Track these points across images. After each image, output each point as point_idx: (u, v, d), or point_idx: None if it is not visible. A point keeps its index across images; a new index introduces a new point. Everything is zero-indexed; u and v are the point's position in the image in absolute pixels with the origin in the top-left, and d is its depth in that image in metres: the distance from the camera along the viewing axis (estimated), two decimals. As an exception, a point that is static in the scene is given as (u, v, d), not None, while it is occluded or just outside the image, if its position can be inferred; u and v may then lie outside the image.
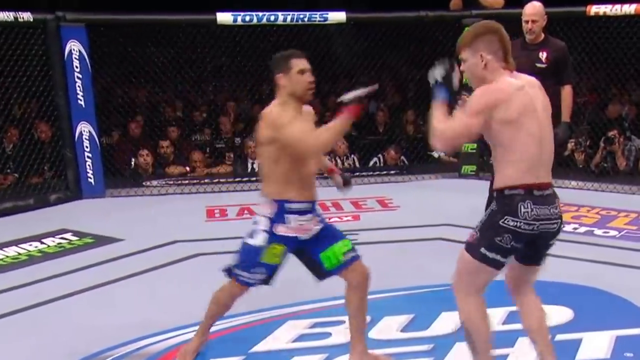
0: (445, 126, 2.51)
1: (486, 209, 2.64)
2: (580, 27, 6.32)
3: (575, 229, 4.95)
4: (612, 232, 4.87)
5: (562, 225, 2.61)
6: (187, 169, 7.25)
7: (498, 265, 2.55)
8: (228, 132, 7.84)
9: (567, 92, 4.62)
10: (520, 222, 2.48)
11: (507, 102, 2.46)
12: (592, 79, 7.72)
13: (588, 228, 4.97)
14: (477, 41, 2.56)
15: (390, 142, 7.65)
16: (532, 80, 2.61)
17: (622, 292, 3.63)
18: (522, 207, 2.48)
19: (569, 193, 6.15)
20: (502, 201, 2.51)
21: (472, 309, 2.61)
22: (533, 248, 2.61)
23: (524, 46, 4.64)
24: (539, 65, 4.52)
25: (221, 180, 6.94)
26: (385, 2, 8.82)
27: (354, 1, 11.58)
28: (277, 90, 2.84)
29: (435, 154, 7.60)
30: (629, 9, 6.02)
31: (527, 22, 4.67)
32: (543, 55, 4.60)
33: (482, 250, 2.53)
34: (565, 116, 4.59)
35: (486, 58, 2.54)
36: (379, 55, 7.43)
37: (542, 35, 4.70)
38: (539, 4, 4.70)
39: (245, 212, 5.82)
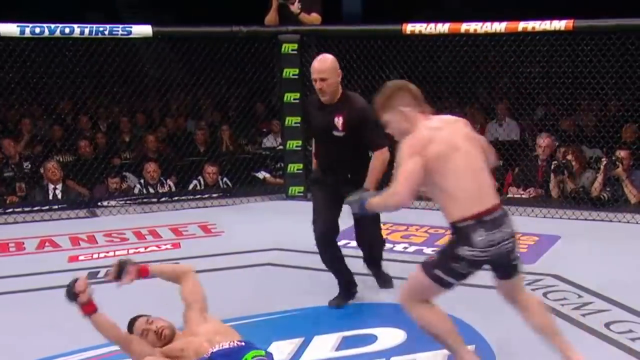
0: (390, 191, 2.95)
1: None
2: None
3: (405, 248, 5.21)
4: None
5: (516, 242, 3.00)
6: None
7: (449, 287, 2.95)
8: (13, 156, 7.42)
9: (376, 158, 3.95)
10: (476, 251, 2.87)
11: (430, 142, 2.89)
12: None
13: (417, 247, 5.24)
14: (392, 100, 3.01)
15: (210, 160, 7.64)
16: (448, 118, 3.09)
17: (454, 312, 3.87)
18: (475, 236, 2.86)
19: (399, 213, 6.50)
20: (457, 232, 2.90)
21: (425, 312, 2.98)
22: (499, 269, 3.03)
23: (320, 106, 4.10)
24: (335, 133, 3.99)
25: (16, 209, 6.53)
26: (197, 16, 8.90)
27: (165, 14, 11.57)
28: None
29: (260, 175, 7.74)
30: (442, 28, 6.37)
31: (315, 80, 4.00)
32: (339, 122, 3.98)
33: (437, 271, 2.91)
34: (369, 183, 3.92)
35: (405, 111, 2.98)
36: (193, 71, 7.43)
37: (339, 94, 4.04)
38: (330, 58, 4.03)
39: (47, 244, 5.55)
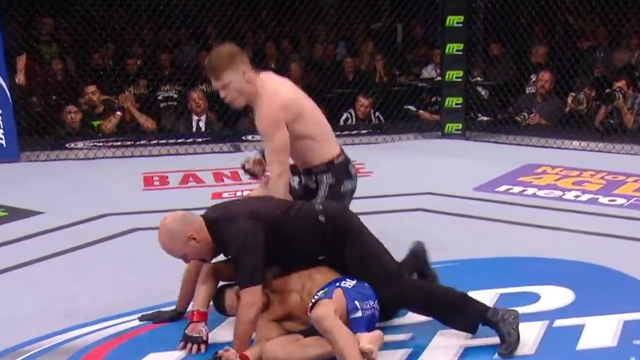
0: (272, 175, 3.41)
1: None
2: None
3: (577, 196, 5.04)
4: (619, 200, 4.96)
5: None
6: (119, 113, 7.15)
7: None
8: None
9: None
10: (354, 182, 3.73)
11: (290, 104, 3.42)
12: (597, 19, 7.85)
13: (592, 195, 5.05)
14: (235, 59, 3.30)
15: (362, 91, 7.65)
16: (283, 79, 3.56)
17: (629, 270, 3.69)
18: (351, 169, 3.69)
19: (570, 155, 6.32)
20: (334, 171, 3.57)
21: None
22: None
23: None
24: None
25: (161, 141, 6.88)
26: None
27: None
28: None
29: (413, 108, 7.68)
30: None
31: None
32: None
33: None
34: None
35: (248, 72, 3.32)
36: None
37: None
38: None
39: (190, 179, 5.79)
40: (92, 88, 7.16)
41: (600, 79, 7.10)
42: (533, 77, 7.43)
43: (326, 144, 3.62)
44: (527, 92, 7.47)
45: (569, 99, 6.98)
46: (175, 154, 6.62)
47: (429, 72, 8.33)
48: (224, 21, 7.51)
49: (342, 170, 3.65)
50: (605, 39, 7.88)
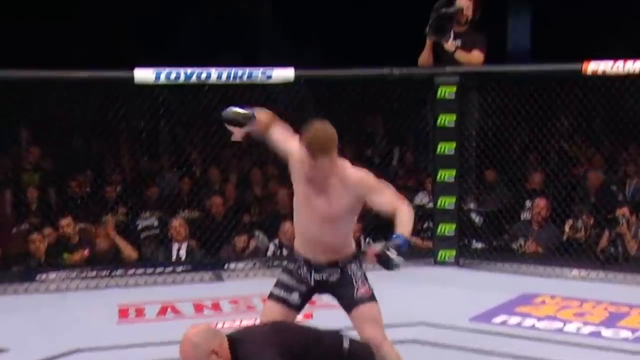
0: (405, 207, 3.64)
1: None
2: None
3: (578, 329, 4.98)
4: (624, 333, 4.90)
5: None
6: (86, 253, 7.13)
7: None
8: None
9: None
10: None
11: None
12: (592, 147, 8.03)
13: (594, 328, 4.99)
14: (336, 145, 3.48)
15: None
16: None
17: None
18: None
19: (569, 284, 6.28)
20: (358, 258, 3.76)
21: (395, 351, 3.61)
22: None
23: None
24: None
25: (138, 271, 6.82)
26: (342, 56, 9.07)
27: (304, 54, 11.98)
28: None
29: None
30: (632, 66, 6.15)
31: None
32: None
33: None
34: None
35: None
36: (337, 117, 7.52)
37: None
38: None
39: (168, 310, 5.71)
40: (66, 220, 7.15)
41: (600, 206, 7.17)
42: (528, 204, 7.49)
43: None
44: (522, 218, 7.50)
45: (566, 226, 7.02)
46: (153, 284, 6.53)
47: (420, 199, 8.32)
48: (209, 148, 7.60)
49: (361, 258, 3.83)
50: (602, 166, 7.99)
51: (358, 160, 8.72)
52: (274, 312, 3.73)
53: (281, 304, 3.75)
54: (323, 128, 3.50)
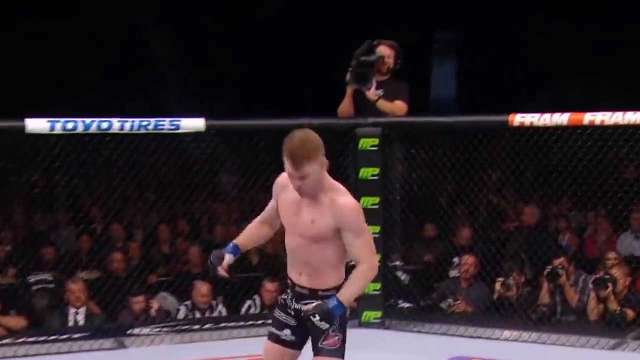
0: (366, 267, 3.53)
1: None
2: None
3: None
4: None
5: None
6: None
7: None
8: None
9: None
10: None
11: None
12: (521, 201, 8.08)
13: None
14: (320, 150, 3.44)
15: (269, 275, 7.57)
16: None
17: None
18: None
19: (502, 346, 6.24)
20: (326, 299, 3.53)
21: None
22: None
23: None
24: None
25: (30, 339, 6.39)
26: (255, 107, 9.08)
27: (218, 105, 11.95)
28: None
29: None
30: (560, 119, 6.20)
31: None
32: None
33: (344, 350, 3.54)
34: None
35: (325, 164, 3.47)
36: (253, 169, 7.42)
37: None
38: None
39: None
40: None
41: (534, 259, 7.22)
42: (456, 260, 7.45)
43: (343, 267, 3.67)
44: (451, 276, 7.45)
45: (497, 285, 6.98)
46: (46, 354, 6.17)
47: None
48: (111, 203, 7.41)
49: None
50: (533, 221, 8.00)
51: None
52: (270, 352, 3.71)
53: (276, 343, 3.70)
54: (304, 134, 3.48)
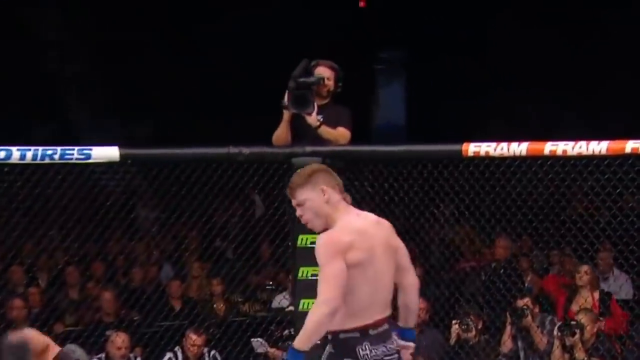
0: (320, 299, 3.36)
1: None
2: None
3: None
4: None
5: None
6: None
7: None
8: None
9: None
10: None
11: (351, 248, 3.43)
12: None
13: None
14: (315, 177, 3.55)
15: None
16: (371, 217, 3.67)
17: None
18: (360, 350, 3.44)
19: None
20: (339, 345, 3.46)
21: None
22: None
23: None
24: None
25: None
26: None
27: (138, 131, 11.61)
28: None
29: (260, 348, 7.43)
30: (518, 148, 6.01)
31: None
32: None
33: None
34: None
35: (328, 191, 3.51)
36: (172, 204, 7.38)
37: None
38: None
39: None
40: None
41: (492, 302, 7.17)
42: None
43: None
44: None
45: (454, 327, 6.92)
46: None
47: (278, 301, 8.13)
48: (10, 241, 7.13)
49: (349, 347, 3.55)
50: (490, 260, 7.95)
51: (206, 252, 8.56)
52: None
53: None
54: (309, 164, 3.86)
